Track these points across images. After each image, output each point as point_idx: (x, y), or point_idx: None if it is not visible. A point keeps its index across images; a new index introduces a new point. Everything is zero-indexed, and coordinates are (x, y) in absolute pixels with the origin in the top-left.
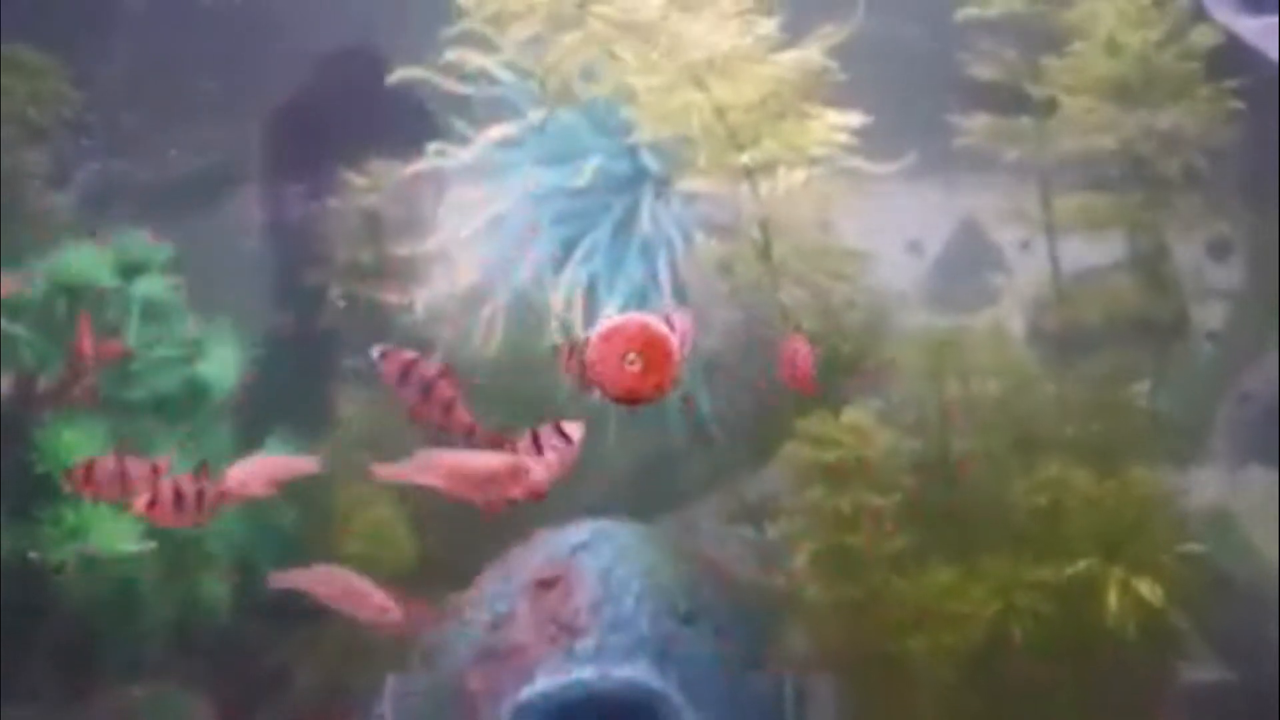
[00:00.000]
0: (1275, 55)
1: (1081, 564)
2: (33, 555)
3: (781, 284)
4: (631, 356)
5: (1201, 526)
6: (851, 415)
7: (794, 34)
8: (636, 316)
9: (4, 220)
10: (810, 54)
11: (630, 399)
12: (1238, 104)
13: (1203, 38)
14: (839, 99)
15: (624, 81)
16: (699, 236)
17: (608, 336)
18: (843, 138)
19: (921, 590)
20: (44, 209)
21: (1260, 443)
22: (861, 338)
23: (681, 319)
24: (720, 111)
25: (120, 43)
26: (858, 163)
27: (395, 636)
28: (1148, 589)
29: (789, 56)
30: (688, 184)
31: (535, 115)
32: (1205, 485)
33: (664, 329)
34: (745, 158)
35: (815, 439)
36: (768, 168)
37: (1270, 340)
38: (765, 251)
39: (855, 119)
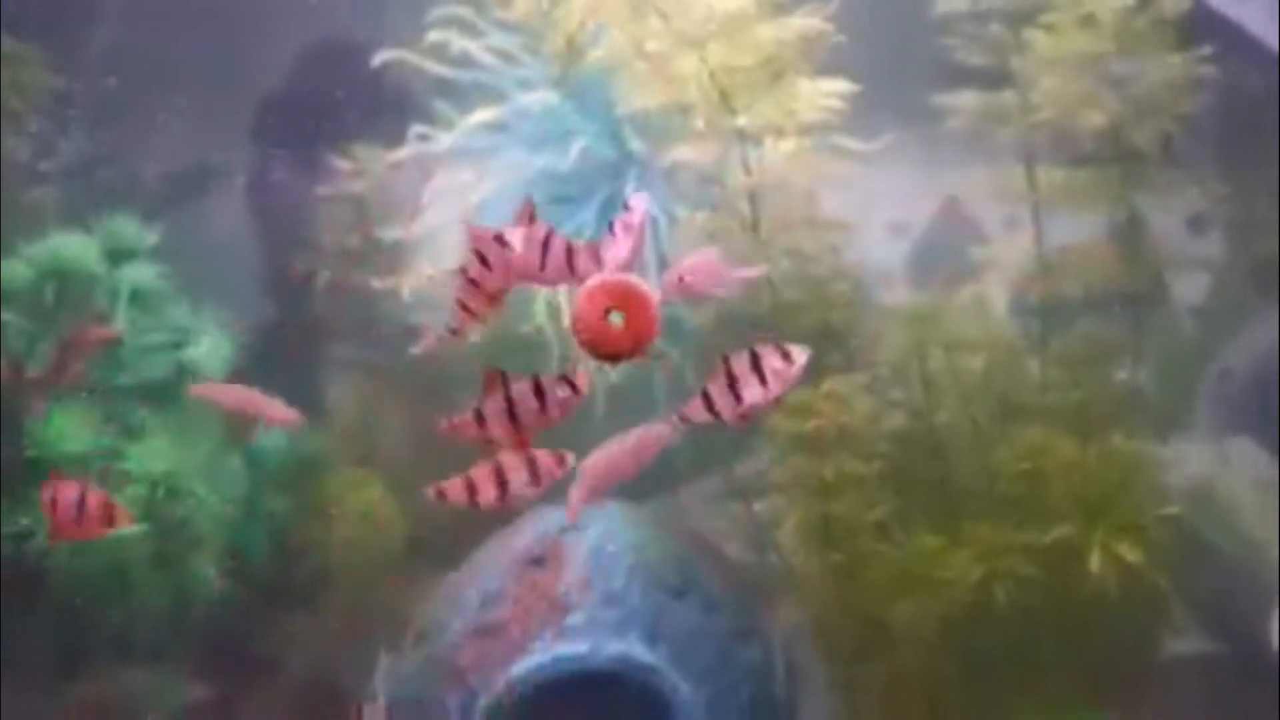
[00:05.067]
0: (1254, 26)
1: (1064, 528)
2: (24, 522)
3: (768, 255)
4: (613, 312)
5: (1185, 500)
6: (831, 384)
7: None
8: (620, 274)
9: None
10: (809, 19)
11: (611, 355)
12: (1208, 71)
13: (1173, 4)
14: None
15: (623, 48)
16: (684, 209)
17: (590, 294)
18: (836, 104)
19: (906, 556)
20: (30, 197)
21: (1242, 417)
22: (847, 310)
23: None
24: (717, 75)
25: (100, 27)
26: (841, 139)
27: (390, 615)
28: (1129, 551)
29: (788, 20)
30: (678, 152)
31: (526, 96)
32: (1188, 459)
33: (645, 286)
34: (741, 120)
35: (796, 409)
36: (760, 134)
37: (1249, 314)
38: (753, 223)
39: (845, 85)
